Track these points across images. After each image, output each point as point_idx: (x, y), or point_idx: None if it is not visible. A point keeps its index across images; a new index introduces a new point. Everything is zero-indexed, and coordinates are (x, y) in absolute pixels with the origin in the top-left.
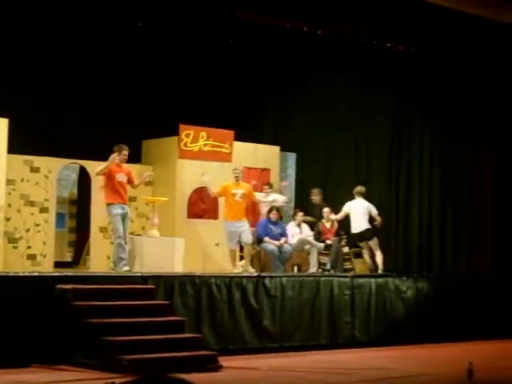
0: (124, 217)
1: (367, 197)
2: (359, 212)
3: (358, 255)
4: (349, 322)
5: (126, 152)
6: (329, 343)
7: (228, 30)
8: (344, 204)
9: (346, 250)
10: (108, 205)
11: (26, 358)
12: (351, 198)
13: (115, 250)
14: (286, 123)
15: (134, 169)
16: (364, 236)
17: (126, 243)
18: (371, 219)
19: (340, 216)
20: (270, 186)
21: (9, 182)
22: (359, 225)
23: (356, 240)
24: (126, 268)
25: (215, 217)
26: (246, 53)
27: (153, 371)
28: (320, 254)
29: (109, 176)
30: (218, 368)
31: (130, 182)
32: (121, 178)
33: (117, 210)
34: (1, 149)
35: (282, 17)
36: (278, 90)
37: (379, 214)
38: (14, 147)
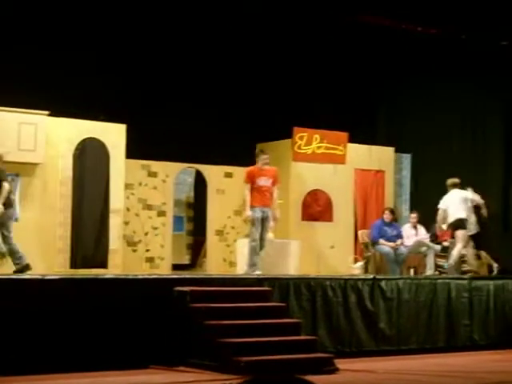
0: (264, 220)
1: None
2: (458, 203)
3: (476, 257)
4: (467, 325)
5: (264, 156)
6: (446, 346)
7: (341, 31)
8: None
9: (463, 251)
10: (250, 207)
11: (144, 360)
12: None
13: (248, 254)
14: (401, 124)
15: None
16: (454, 225)
17: (263, 246)
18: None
19: (440, 216)
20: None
21: (127, 186)
22: (454, 215)
23: (451, 229)
24: (258, 272)
25: (330, 219)
26: (360, 54)
27: (269, 373)
28: (437, 256)
29: (251, 180)
30: (334, 370)
31: (274, 183)
32: (262, 181)
33: (256, 214)
34: (119, 154)
35: (396, 18)
36: (391, 91)
37: (487, 206)
38: (132, 152)
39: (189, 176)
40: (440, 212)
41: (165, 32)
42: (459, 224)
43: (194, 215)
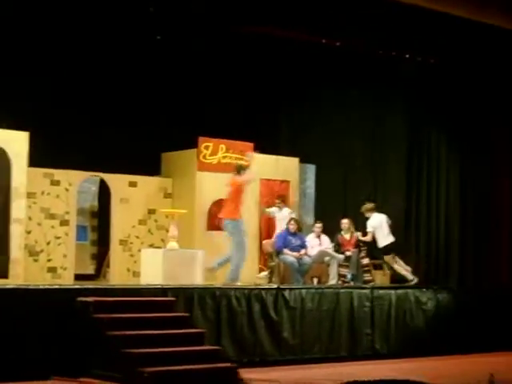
0: None
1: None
2: (384, 226)
3: (378, 267)
4: (369, 334)
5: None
6: (349, 355)
7: (247, 42)
8: (365, 221)
9: (365, 261)
10: (233, 219)
11: (47, 371)
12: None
13: (239, 269)
14: (305, 135)
15: (153, 182)
16: (392, 249)
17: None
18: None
19: (370, 237)
20: (282, 199)
21: (29, 195)
22: (387, 238)
23: (384, 253)
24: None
25: None
26: (264, 65)
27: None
28: (340, 265)
29: (240, 191)
30: (237, 380)
31: None
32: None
33: (243, 226)
34: (21, 162)
35: (299, 30)
36: (296, 102)
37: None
38: (35, 160)
39: (93, 184)
40: (369, 235)
41: (72, 39)
42: (393, 247)
43: (98, 224)
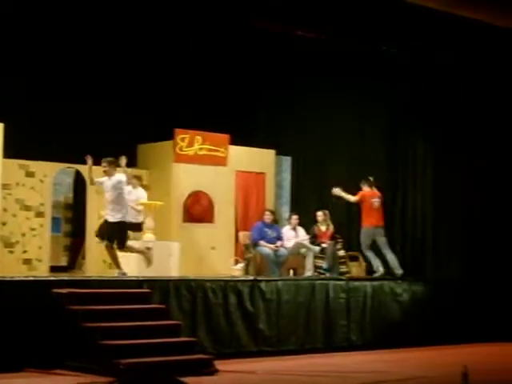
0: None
1: None
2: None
3: (354, 258)
4: (344, 325)
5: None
6: (324, 346)
7: (223, 33)
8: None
9: (341, 253)
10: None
11: (20, 362)
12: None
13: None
14: (282, 127)
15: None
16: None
17: None
18: None
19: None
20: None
21: (4, 186)
22: None
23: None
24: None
25: (211, 221)
26: (241, 56)
27: (148, 374)
28: (316, 257)
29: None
30: (213, 372)
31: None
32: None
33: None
34: None
35: (278, 21)
36: (272, 93)
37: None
38: (10, 152)
39: (68, 176)
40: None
41: (46, 28)
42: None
43: (73, 216)
